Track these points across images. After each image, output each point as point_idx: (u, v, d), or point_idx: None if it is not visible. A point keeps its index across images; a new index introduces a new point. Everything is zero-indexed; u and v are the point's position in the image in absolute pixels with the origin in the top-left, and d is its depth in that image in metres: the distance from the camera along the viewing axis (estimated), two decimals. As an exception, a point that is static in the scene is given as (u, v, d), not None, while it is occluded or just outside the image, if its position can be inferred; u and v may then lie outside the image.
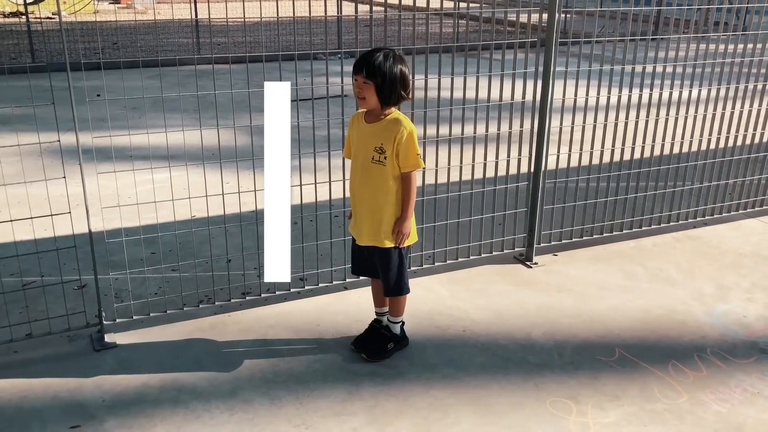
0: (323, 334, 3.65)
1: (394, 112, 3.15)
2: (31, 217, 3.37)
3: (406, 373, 3.32)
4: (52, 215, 3.35)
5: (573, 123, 4.44)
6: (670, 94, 4.72)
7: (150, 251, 4.33)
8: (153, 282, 4.09)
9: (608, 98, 4.49)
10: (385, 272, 3.31)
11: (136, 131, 3.50)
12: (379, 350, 3.40)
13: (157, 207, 3.67)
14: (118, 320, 3.61)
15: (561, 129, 4.43)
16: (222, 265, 4.08)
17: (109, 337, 3.54)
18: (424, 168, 3.71)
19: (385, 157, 3.11)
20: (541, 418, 3.01)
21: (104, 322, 3.54)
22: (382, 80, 3.02)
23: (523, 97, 4.22)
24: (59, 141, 3.25)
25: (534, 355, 3.49)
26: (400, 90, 3.07)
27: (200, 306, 3.80)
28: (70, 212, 3.36)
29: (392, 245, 3.22)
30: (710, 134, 4.97)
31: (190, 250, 4.35)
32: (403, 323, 3.49)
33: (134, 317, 3.64)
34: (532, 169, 4.38)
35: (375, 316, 3.56)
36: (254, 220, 4.12)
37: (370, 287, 4.10)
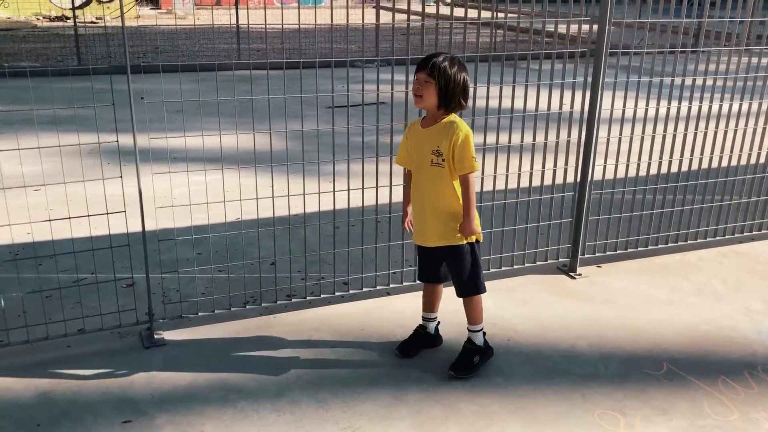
0: (367, 339, 3.67)
1: (452, 116, 3.16)
2: (88, 215, 3.45)
3: (450, 380, 3.32)
4: (108, 213, 3.42)
5: (621, 134, 4.42)
6: (720, 107, 4.66)
7: (196, 252, 4.40)
8: (200, 282, 4.16)
9: (657, 110, 4.45)
10: (459, 270, 3.30)
11: (189, 133, 3.56)
12: (466, 366, 3.34)
13: (205, 208, 3.71)
14: (167, 319, 3.67)
15: (608, 140, 4.40)
16: (267, 267, 4.13)
17: (158, 335, 3.60)
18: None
19: (443, 159, 3.12)
20: (588, 429, 2.99)
21: (154, 320, 3.60)
22: (445, 82, 3.04)
23: (572, 107, 4.20)
24: (117, 141, 3.32)
25: (579, 366, 3.47)
26: (459, 96, 3.10)
27: (247, 307, 3.85)
28: (125, 211, 3.43)
29: (461, 242, 3.21)
30: (760, 148, 4.89)
31: (236, 251, 4.40)
32: (485, 333, 3.44)
33: (183, 316, 3.70)
34: (578, 180, 4.36)
35: (421, 322, 3.56)
36: (300, 223, 4.18)
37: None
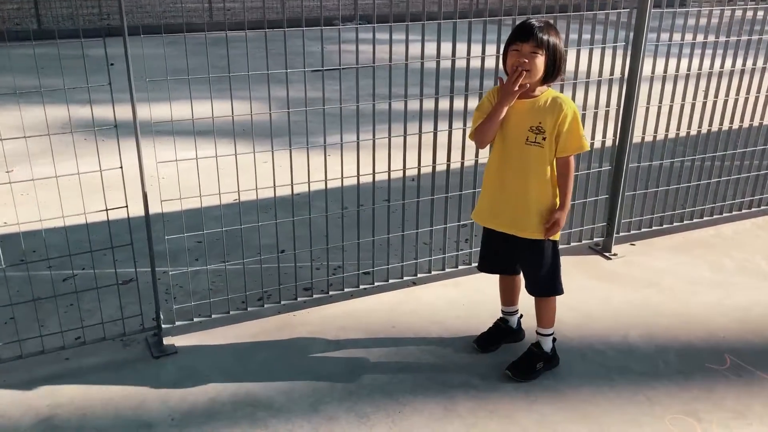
0: (401, 337, 3.32)
1: (551, 90, 2.81)
2: (84, 213, 3.00)
3: (502, 384, 2.99)
4: (107, 210, 2.98)
5: (660, 102, 4.05)
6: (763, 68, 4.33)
7: (195, 240, 3.96)
8: (204, 276, 3.74)
9: (699, 74, 4.10)
10: (537, 268, 2.95)
11: (183, 105, 3.07)
12: (527, 370, 3.02)
13: (198, 190, 3.19)
14: (177, 323, 3.27)
15: (648, 108, 4.04)
16: (273, 257, 3.67)
17: (167, 342, 3.20)
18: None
19: (544, 138, 2.74)
20: (663, 440, 2.70)
21: (162, 325, 3.20)
22: (554, 52, 2.68)
23: (611, 73, 3.83)
24: (116, 126, 2.85)
25: (636, 362, 3.17)
26: (562, 65, 2.75)
27: (264, 306, 3.46)
28: (126, 206, 2.99)
29: (542, 237, 2.85)
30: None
31: (237, 238, 3.94)
32: (555, 339, 3.11)
33: (195, 319, 3.30)
34: (616, 153, 4.01)
35: (501, 315, 3.27)
36: (307, 207, 3.74)
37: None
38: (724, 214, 4.56)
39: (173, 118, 2.93)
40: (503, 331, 3.24)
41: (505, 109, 2.76)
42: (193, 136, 3.08)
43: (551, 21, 2.80)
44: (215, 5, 13.18)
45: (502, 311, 3.25)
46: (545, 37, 2.66)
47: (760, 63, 4.28)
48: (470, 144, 3.64)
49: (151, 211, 3.07)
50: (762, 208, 4.68)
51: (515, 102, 2.77)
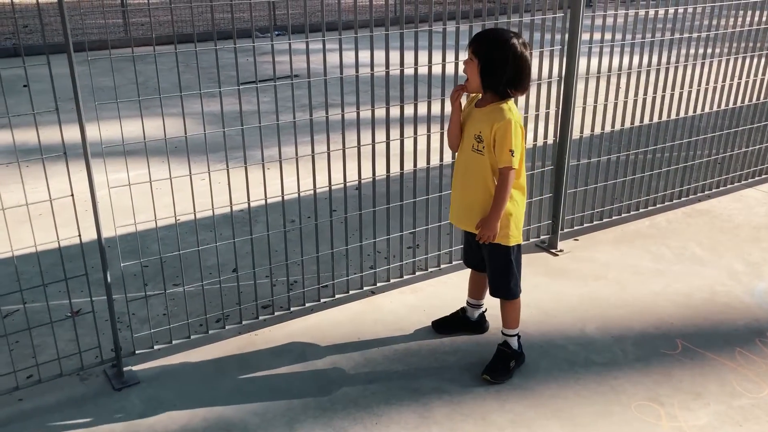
0: (367, 348, 3.32)
1: (507, 101, 2.80)
2: (35, 244, 2.85)
3: (473, 387, 3.04)
4: (59, 241, 2.85)
5: (596, 101, 4.21)
6: (686, 67, 4.56)
7: (139, 265, 3.81)
8: (157, 301, 3.63)
9: (629, 75, 4.29)
10: (491, 269, 3.05)
11: (127, 123, 2.98)
12: (502, 371, 3.06)
13: (135, 211, 3.08)
14: (137, 351, 3.15)
15: (584, 108, 4.19)
16: (230, 277, 3.62)
17: (128, 372, 3.09)
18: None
19: (484, 146, 2.81)
20: (632, 427, 2.80)
21: (122, 356, 3.08)
22: (487, 62, 2.70)
23: (550, 75, 3.95)
24: (65, 153, 2.73)
25: (597, 353, 3.28)
26: (505, 80, 2.72)
27: (225, 327, 3.38)
28: (79, 234, 2.87)
29: (498, 241, 2.93)
30: (719, 106, 4.86)
31: (184, 261, 3.81)
32: (520, 336, 3.18)
33: (155, 347, 3.19)
34: (556, 153, 4.14)
35: (465, 304, 3.38)
36: (255, 222, 3.70)
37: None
38: (657, 205, 4.78)
39: (104, 139, 2.82)
40: (460, 320, 3.36)
41: (456, 113, 2.89)
42: (146, 156, 2.99)
43: (512, 32, 2.80)
44: (131, 20, 12.79)
45: (467, 301, 3.36)
46: (484, 45, 2.72)
47: (682, 59, 4.51)
48: (421, 150, 3.70)
49: (96, 237, 2.96)
50: (690, 197, 4.93)
51: (472, 108, 2.88)
